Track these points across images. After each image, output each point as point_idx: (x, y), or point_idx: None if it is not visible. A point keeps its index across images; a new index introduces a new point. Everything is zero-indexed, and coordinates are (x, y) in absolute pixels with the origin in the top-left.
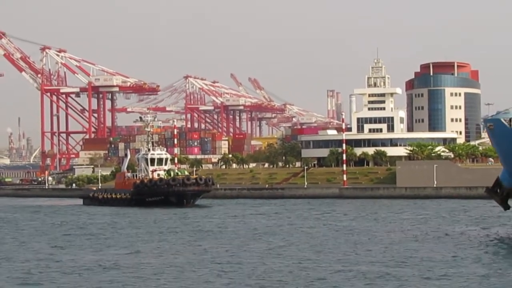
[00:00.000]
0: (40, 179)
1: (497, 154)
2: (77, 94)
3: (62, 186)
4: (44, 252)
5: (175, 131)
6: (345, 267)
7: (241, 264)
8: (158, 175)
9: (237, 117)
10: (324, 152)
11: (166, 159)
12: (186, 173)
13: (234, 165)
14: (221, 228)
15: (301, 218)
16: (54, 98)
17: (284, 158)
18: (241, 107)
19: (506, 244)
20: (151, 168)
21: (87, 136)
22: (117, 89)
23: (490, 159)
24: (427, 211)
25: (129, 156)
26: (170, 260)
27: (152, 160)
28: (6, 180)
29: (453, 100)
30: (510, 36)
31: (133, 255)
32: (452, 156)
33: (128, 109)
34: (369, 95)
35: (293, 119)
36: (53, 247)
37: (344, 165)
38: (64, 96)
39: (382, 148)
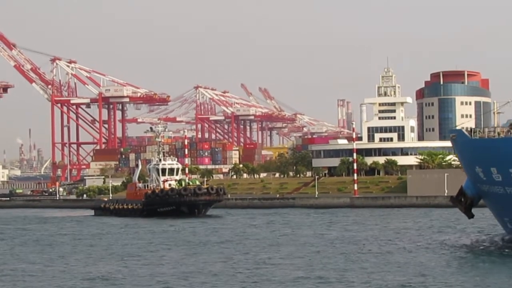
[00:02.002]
0: (51, 190)
1: (461, 164)
2: (88, 105)
3: (73, 197)
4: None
5: (186, 141)
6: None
7: None
8: (170, 185)
9: (248, 127)
10: (334, 162)
11: (178, 169)
12: (198, 183)
13: (244, 175)
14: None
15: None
16: (65, 109)
17: (294, 167)
18: (252, 117)
19: (458, 252)
20: (162, 178)
21: (98, 147)
22: (127, 99)
23: None
24: (425, 219)
25: (140, 167)
26: None
27: (164, 170)
28: (17, 191)
29: (464, 109)
30: None
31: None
32: None
33: (139, 120)
34: (380, 104)
35: (304, 128)
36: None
37: (355, 175)
38: (74, 107)
39: (393, 157)
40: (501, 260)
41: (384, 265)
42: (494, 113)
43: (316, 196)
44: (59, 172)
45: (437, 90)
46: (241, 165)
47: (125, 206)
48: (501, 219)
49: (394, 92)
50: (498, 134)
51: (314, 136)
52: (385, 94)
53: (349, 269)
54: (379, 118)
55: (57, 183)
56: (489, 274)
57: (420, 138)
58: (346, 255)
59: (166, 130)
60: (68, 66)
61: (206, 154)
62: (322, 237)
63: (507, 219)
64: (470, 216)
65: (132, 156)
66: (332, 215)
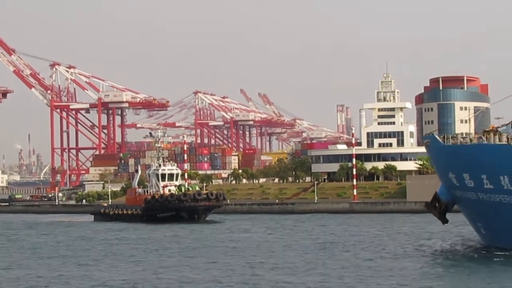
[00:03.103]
0: (50, 195)
1: (435, 169)
2: (87, 110)
3: (72, 202)
4: None
5: (185, 147)
6: None
7: None
8: (169, 190)
9: (247, 132)
10: (334, 167)
11: (177, 174)
12: (197, 188)
13: (244, 180)
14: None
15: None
16: (64, 114)
17: (294, 173)
18: (251, 122)
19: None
20: (162, 183)
21: (97, 152)
22: (126, 105)
23: None
24: (409, 225)
25: (139, 172)
26: None
27: (163, 175)
28: (17, 196)
29: (463, 114)
30: None
31: None
32: None
33: (138, 125)
34: (379, 110)
35: (303, 134)
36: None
37: (354, 180)
38: (74, 112)
39: (392, 163)
40: (476, 265)
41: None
42: (469, 119)
43: (316, 201)
44: (58, 177)
45: (436, 96)
46: (240, 171)
47: (124, 212)
48: (475, 225)
49: (394, 97)
50: (471, 140)
51: (313, 142)
52: (385, 99)
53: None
54: (379, 123)
55: (57, 189)
56: (460, 280)
57: (420, 143)
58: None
59: (166, 135)
60: (67, 71)
61: (206, 159)
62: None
63: (480, 225)
64: (444, 221)
65: (131, 161)
66: (296, 221)
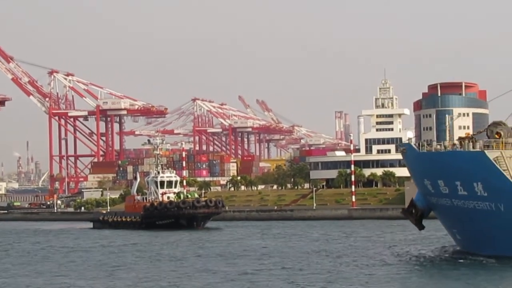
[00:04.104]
0: (48, 203)
1: (411, 176)
2: (85, 118)
3: (71, 209)
4: None
5: (184, 154)
6: None
7: None
8: (168, 197)
9: (245, 139)
10: (332, 174)
11: (176, 181)
12: (196, 195)
13: (242, 187)
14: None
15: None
16: (62, 121)
17: (292, 179)
18: (249, 129)
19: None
20: (161, 191)
21: (96, 160)
22: (125, 112)
23: None
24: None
25: (138, 179)
26: None
27: (162, 183)
28: (15, 204)
29: (461, 121)
30: None
31: None
32: None
33: (136, 132)
34: (377, 116)
35: (301, 140)
36: None
37: (353, 186)
38: (72, 119)
39: (391, 169)
40: (448, 270)
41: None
42: (448, 126)
43: (314, 208)
44: (57, 184)
45: (434, 102)
46: (239, 177)
47: (123, 219)
48: (450, 231)
49: (392, 103)
50: (445, 147)
51: (311, 148)
52: (383, 105)
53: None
54: (377, 129)
55: (55, 196)
56: (428, 284)
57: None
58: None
59: (164, 142)
60: (65, 79)
61: (204, 166)
62: None
63: (456, 231)
64: (421, 227)
65: (130, 168)
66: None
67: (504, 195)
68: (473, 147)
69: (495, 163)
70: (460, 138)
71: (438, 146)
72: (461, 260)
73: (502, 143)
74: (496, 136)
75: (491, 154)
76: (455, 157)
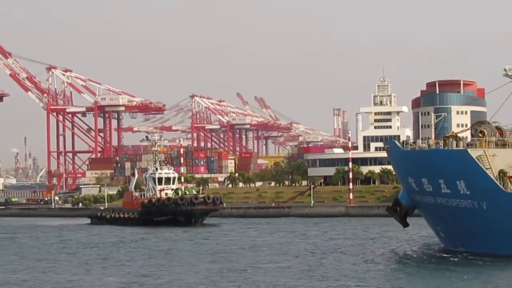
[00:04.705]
0: (46, 199)
1: (396, 174)
2: (83, 114)
3: (69, 205)
4: None
5: (181, 150)
6: None
7: None
8: (166, 194)
9: (243, 136)
10: (330, 171)
11: (174, 178)
12: (194, 192)
13: (240, 184)
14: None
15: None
16: (60, 117)
17: (290, 176)
18: (247, 126)
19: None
20: (159, 187)
21: (93, 156)
22: (123, 108)
23: None
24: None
25: (136, 175)
26: None
27: (160, 179)
28: (13, 199)
29: (459, 118)
30: None
31: None
32: None
33: (134, 129)
34: (375, 114)
35: (300, 137)
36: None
37: (351, 184)
38: (70, 115)
39: (389, 167)
40: (431, 268)
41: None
42: (430, 125)
43: (312, 205)
44: (54, 180)
45: (432, 100)
46: (236, 174)
47: (121, 215)
48: (434, 228)
49: (390, 101)
50: (429, 146)
51: (309, 145)
52: (381, 103)
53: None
54: (375, 127)
55: (53, 192)
56: (415, 283)
57: None
58: None
59: (162, 139)
60: (63, 75)
61: (202, 163)
62: None
63: (439, 228)
64: (405, 225)
65: (127, 165)
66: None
67: (486, 193)
68: (457, 146)
69: (478, 162)
70: (444, 137)
71: (423, 145)
72: (445, 257)
73: (485, 141)
74: (480, 134)
75: (474, 153)
76: (438, 155)
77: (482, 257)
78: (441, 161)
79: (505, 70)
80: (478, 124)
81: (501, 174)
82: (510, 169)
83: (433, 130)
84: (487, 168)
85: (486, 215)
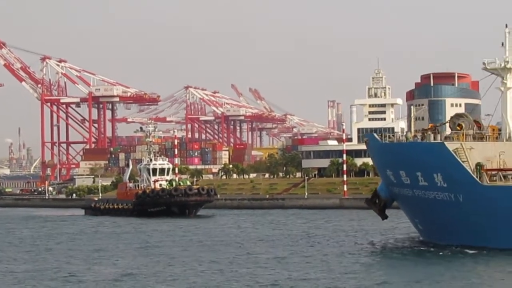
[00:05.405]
0: (40, 189)
1: (375, 167)
2: (78, 104)
3: (63, 196)
4: None
5: (176, 142)
6: None
7: None
8: (160, 185)
9: (238, 128)
10: (324, 163)
11: (168, 169)
12: (188, 183)
13: (234, 175)
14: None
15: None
16: (55, 108)
17: (284, 168)
18: (242, 118)
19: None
20: (153, 178)
21: (88, 146)
22: (117, 99)
23: None
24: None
25: (131, 166)
26: None
27: (154, 170)
28: (6, 190)
29: (454, 111)
30: None
31: None
32: None
33: (129, 119)
34: (370, 106)
35: (294, 129)
36: None
37: (345, 176)
38: (64, 106)
39: None
40: (409, 259)
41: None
42: (411, 117)
43: (306, 197)
44: (48, 171)
45: (427, 92)
46: (231, 166)
47: (115, 206)
48: (412, 221)
49: (384, 93)
50: (407, 138)
51: (304, 137)
52: (375, 95)
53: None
54: (369, 119)
55: (47, 183)
56: (392, 274)
57: None
58: None
59: (156, 130)
60: (58, 65)
61: (196, 154)
62: None
63: (417, 221)
64: (384, 217)
65: (121, 155)
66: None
67: (462, 186)
68: (434, 139)
69: (455, 155)
70: (423, 130)
71: (401, 137)
72: (422, 250)
73: (463, 134)
74: (458, 128)
75: (451, 146)
76: (415, 148)
77: (459, 249)
78: (419, 154)
79: (484, 64)
80: (456, 117)
81: (478, 167)
82: (487, 162)
83: (413, 122)
84: (464, 161)
85: (462, 208)
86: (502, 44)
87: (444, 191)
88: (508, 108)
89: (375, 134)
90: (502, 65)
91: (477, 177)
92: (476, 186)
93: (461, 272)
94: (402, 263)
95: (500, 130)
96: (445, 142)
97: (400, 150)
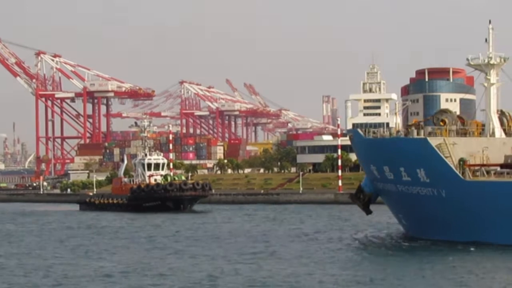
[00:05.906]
0: (35, 184)
1: (359, 162)
2: (72, 99)
3: (57, 191)
4: None
5: (170, 136)
6: None
7: None
8: (155, 180)
9: (233, 123)
10: (319, 158)
11: (163, 164)
12: (183, 178)
13: (229, 171)
14: None
15: None
16: (49, 103)
17: (279, 163)
18: (237, 113)
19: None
20: (148, 173)
21: (82, 141)
22: (112, 94)
23: None
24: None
25: (126, 161)
26: None
27: (149, 165)
28: (1, 185)
29: (449, 106)
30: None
31: None
32: None
33: (123, 114)
34: (365, 101)
35: (289, 124)
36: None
37: (340, 171)
38: (59, 101)
39: None
40: (393, 254)
41: None
42: (396, 113)
43: (301, 192)
44: (43, 166)
45: (422, 87)
46: (225, 161)
47: (110, 201)
48: (396, 216)
49: (379, 88)
50: (391, 134)
51: (299, 132)
52: (370, 90)
53: None
54: (364, 114)
55: (41, 177)
56: (376, 270)
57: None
58: None
59: (151, 125)
60: (52, 60)
61: (191, 149)
62: None
63: (401, 216)
64: (368, 212)
65: (116, 150)
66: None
67: (445, 181)
68: (418, 134)
69: (437, 150)
70: (407, 125)
71: (385, 133)
72: (406, 245)
73: (446, 130)
74: (441, 123)
75: (434, 141)
76: (399, 143)
77: (442, 244)
78: (402, 149)
79: (467, 60)
80: (440, 113)
81: (461, 163)
82: (470, 158)
83: (397, 117)
84: (446, 157)
85: (445, 203)
86: (486, 40)
87: (427, 186)
88: (492, 104)
89: (358, 130)
90: (486, 61)
91: (460, 172)
92: (459, 181)
93: (442, 266)
94: (384, 258)
95: (483, 125)
96: (428, 138)
97: (384, 146)
